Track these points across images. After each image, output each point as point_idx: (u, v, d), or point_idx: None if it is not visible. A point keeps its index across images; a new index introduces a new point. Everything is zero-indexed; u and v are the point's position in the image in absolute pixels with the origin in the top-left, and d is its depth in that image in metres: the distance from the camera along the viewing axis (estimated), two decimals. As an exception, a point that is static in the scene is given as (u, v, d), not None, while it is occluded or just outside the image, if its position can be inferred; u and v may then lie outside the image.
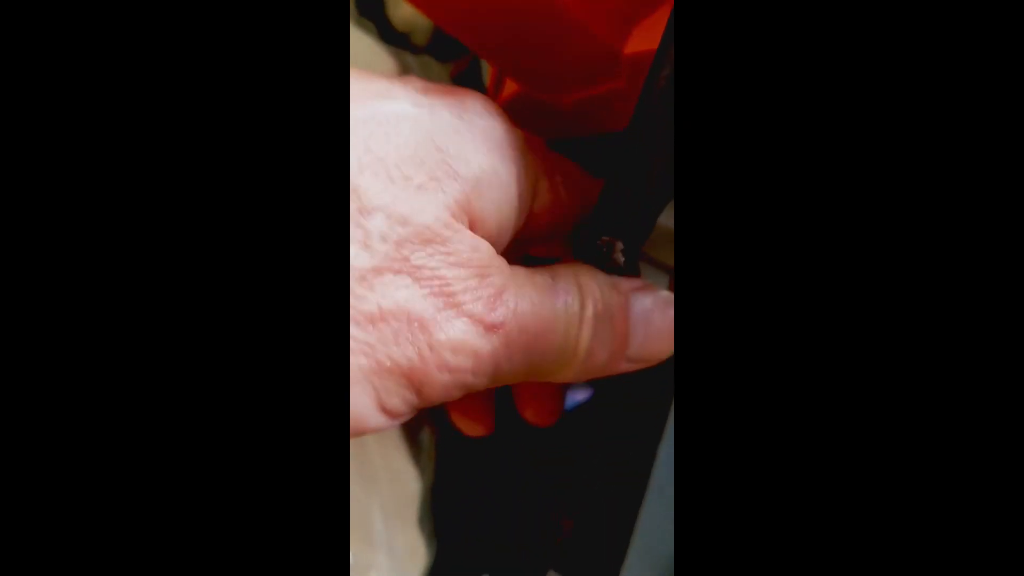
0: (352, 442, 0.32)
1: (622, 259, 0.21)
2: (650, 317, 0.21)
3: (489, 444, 0.35)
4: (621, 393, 0.34)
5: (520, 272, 0.20)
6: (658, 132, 0.18)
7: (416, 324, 0.18)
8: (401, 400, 0.18)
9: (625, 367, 0.22)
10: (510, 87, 0.25)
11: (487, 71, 0.29)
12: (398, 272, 0.17)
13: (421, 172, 0.18)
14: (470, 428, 0.29)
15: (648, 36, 0.20)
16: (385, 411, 0.18)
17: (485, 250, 0.19)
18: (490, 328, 0.19)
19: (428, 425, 0.33)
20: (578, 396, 0.36)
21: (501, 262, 0.19)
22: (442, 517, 0.33)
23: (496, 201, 0.19)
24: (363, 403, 0.18)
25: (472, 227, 0.19)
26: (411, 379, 0.18)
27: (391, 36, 0.35)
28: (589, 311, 0.20)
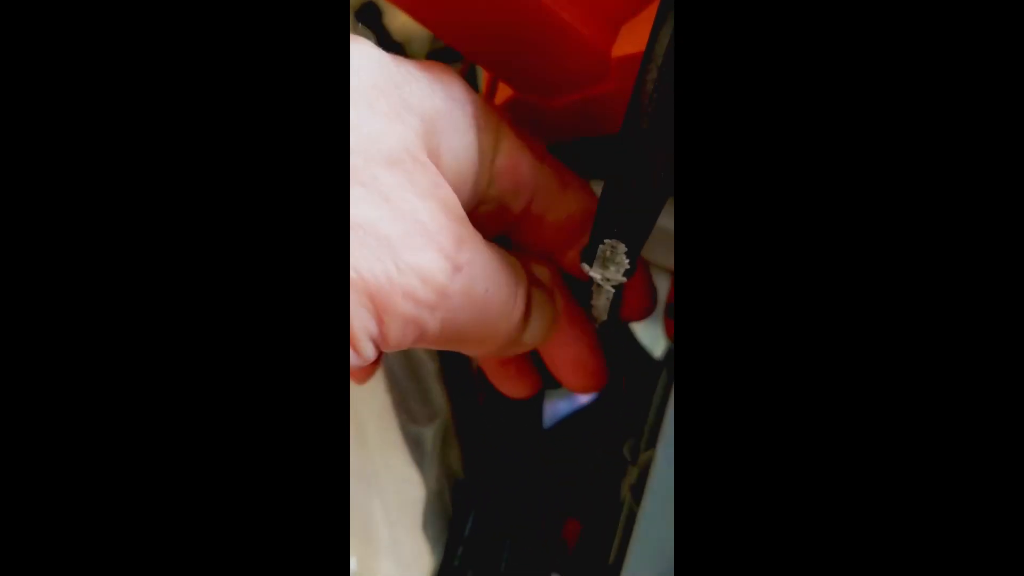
0: (355, 448, 0.32)
1: (626, 261, 0.21)
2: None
3: (493, 446, 0.35)
4: (623, 395, 0.34)
5: (474, 228, 0.20)
6: (650, 133, 0.18)
7: (386, 242, 0.17)
8: (360, 324, 0.17)
9: (523, 346, 0.22)
10: (503, 92, 0.25)
11: (483, 79, 0.29)
12: (369, 189, 0.17)
13: (383, 102, 0.18)
14: (516, 389, 0.28)
15: (636, 38, 0.20)
16: None
17: (448, 190, 0.19)
18: (456, 268, 0.18)
19: (432, 426, 0.33)
20: (582, 399, 0.36)
21: (462, 210, 0.19)
22: (446, 520, 0.33)
23: (452, 141, 0.19)
24: None
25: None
26: (375, 300, 0.17)
27: (389, 45, 0.36)
28: (524, 283, 0.21)
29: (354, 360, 0.18)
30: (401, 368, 0.33)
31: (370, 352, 0.18)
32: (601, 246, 0.21)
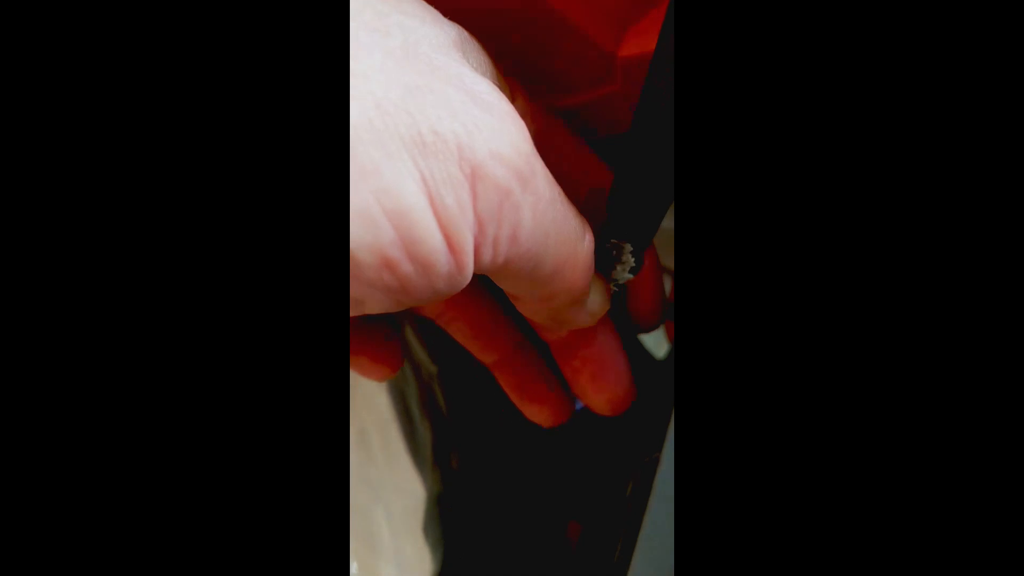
0: (359, 453, 0.32)
1: (632, 260, 0.22)
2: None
3: (494, 449, 0.35)
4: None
5: None
6: (659, 133, 0.19)
7: (455, 100, 0.15)
8: (455, 199, 0.15)
9: (583, 317, 0.22)
10: (507, 93, 0.25)
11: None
12: (425, 66, 0.16)
13: (419, 7, 0.17)
14: (544, 416, 0.27)
15: (642, 39, 0.20)
16: (436, 211, 0.15)
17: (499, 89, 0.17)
18: (528, 140, 0.16)
19: (429, 430, 0.33)
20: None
21: None
22: (448, 524, 0.33)
23: (480, 61, 0.18)
24: (408, 188, 0.14)
25: None
26: (465, 156, 0.15)
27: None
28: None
29: (451, 270, 0.16)
30: (401, 369, 0.33)
31: (468, 256, 0.16)
32: (607, 246, 0.22)
